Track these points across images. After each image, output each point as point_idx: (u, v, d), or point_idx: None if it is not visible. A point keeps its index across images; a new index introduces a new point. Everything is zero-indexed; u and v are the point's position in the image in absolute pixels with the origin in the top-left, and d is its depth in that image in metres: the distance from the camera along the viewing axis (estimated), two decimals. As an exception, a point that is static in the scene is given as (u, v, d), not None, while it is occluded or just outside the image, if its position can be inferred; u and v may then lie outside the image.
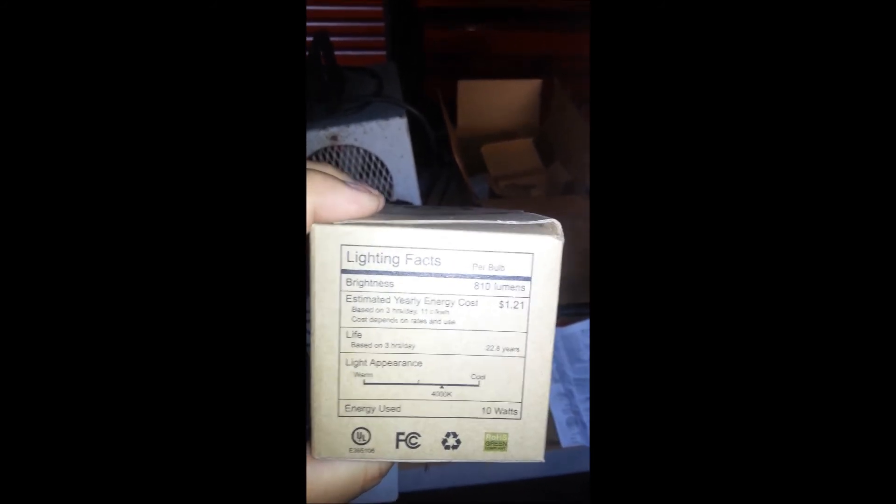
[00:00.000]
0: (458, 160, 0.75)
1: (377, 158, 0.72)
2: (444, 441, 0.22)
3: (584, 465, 0.61)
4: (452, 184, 0.81)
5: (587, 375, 0.58)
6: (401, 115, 0.69)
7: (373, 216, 0.21)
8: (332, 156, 0.71)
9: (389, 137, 0.70)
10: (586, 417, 0.61)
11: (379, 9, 1.12)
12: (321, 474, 0.22)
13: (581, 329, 0.69)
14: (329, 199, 0.20)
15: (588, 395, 0.61)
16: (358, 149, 0.71)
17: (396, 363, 0.21)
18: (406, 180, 0.73)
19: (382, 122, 0.69)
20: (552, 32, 1.15)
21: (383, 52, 1.15)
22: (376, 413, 0.21)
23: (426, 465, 0.59)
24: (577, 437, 0.60)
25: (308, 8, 1.01)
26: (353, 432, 0.21)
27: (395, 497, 0.57)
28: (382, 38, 1.14)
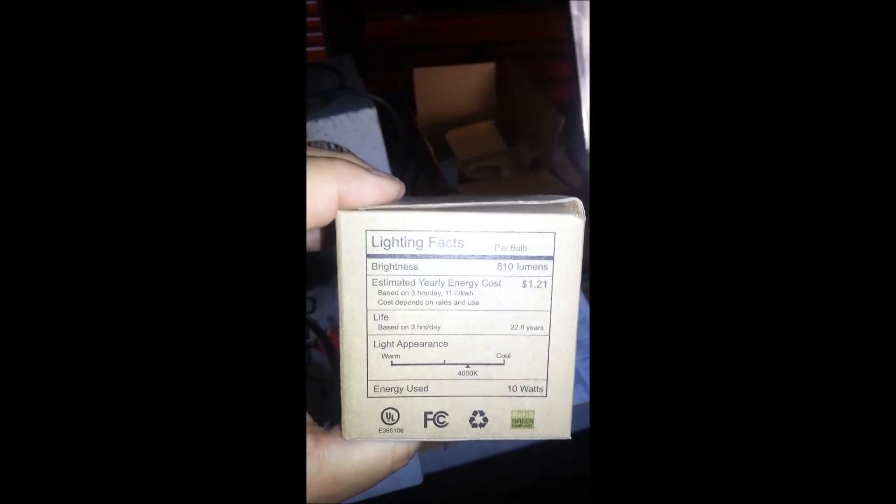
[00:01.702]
0: (429, 147, 0.75)
1: (348, 152, 0.71)
2: (472, 419, 0.22)
3: (584, 422, 0.63)
4: (422, 172, 0.81)
5: (584, 337, 0.60)
6: (370, 107, 0.69)
7: (395, 202, 0.21)
8: (304, 153, 0.69)
9: (360, 129, 0.70)
10: (586, 376, 0.63)
11: (313, 2, 1.10)
12: (351, 456, 0.22)
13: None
14: (354, 186, 0.20)
15: (585, 355, 0.64)
16: (329, 144, 0.70)
17: (423, 344, 0.21)
18: (380, 171, 0.73)
19: (352, 115, 0.68)
20: (488, 17, 1.16)
21: (321, 48, 1.13)
22: (404, 393, 0.22)
23: (445, 444, 0.59)
24: (583, 395, 0.62)
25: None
26: (383, 412, 0.22)
27: (419, 480, 0.57)
28: (319, 34, 1.12)
